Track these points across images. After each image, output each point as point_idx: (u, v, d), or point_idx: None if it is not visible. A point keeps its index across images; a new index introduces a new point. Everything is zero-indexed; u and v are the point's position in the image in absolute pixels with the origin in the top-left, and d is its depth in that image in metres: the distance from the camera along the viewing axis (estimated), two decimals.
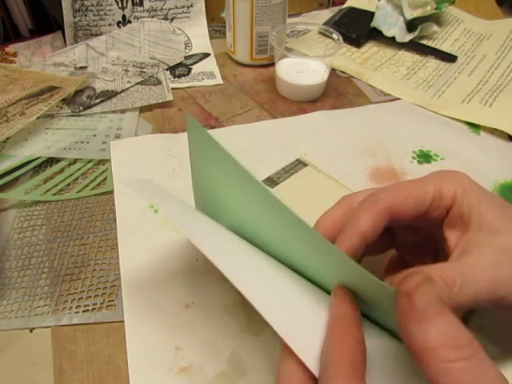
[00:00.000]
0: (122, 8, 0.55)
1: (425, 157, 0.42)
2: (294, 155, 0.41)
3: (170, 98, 0.47)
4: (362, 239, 0.23)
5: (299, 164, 0.40)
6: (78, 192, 0.38)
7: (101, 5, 0.53)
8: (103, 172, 0.40)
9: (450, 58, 0.55)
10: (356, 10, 0.62)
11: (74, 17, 0.53)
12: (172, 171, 0.39)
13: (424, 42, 0.58)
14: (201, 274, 0.31)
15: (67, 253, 0.33)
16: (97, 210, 0.37)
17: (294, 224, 0.19)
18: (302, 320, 0.20)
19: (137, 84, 0.49)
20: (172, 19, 0.57)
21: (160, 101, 0.47)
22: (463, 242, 0.23)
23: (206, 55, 0.56)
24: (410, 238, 0.27)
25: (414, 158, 0.42)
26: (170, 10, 0.57)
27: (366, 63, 0.55)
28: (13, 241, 0.34)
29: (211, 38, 0.58)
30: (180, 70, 0.53)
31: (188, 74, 0.52)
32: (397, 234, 0.27)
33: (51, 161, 0.41)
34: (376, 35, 0.58)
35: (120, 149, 0.41)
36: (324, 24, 0.57)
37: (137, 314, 0.29)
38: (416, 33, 0.56)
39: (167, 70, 0.52)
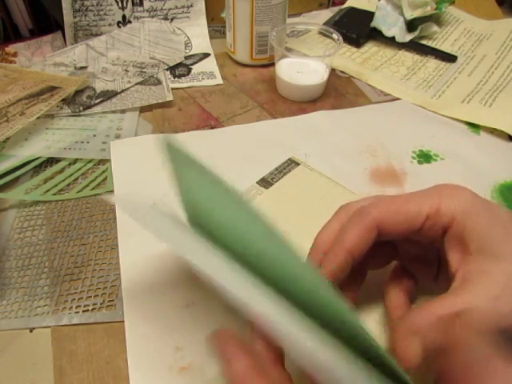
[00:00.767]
0: (122, 8, 0.55)
1: (425, 157, 0.42)
2: (293, 155, 0.41)
3: (170, 98, 0.47)
4: (348, 256, 0.23)
5: (292, 163, 0.40)
6: (78, 192, 0.38)
7: (101, 5, 0.53)
8: (103, 172, 0.40)
9: (450, 58, 0.55)
10: (356, 10, 0.62)
11: (74, 17, 0.53)
12: None
13: (424, 41, 0.58)
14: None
15: (67, 253, 0.33)
16: (97, 209, 0.37)
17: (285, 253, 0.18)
18: None
19: (137, 84, 0.49)
20: (172, 19, 0.57)
21: (160, 101, 0.47)
22: (464, 268, 0.22)
23: (206, 55, 0.56)
24: (412, 249, 0.26)
25: (414, 157, 0.42)
26: (170, 10, 0.57)
27: (365, 63, 0.55)
28: (13, 241, 0.34)
29: (211, 37, 0.58)
30: (180, 70, 0.53)
31: (188, 74, 0.52)
32: (399, 245, 0.27)
33: (51, 161, 0.41)
34: (376, 35, 0.58)
35: (120, 149, 0.41)
36: (324, 24, 0.57)
37: (137, 314, 0.29)
38: (416, 33, 0.56)
39: (167, 70, 0.52)
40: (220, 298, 0.17)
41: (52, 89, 0.45)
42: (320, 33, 0.57)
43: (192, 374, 0.26)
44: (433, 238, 0.24)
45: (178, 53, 0.55)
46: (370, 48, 0.58)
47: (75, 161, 0.41)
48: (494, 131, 0.44)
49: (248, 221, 0.20)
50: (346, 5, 0.64)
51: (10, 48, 0.55)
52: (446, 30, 0.61)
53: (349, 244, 0.23)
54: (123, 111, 0.46)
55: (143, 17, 0.56)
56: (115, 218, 0.35)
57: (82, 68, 0.51)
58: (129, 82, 0.49)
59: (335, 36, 0.49)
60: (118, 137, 0.43)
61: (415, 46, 0.56)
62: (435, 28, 0.58)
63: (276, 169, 0.39)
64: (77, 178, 0.39)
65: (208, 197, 0.22)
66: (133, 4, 0.55)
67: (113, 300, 0.30)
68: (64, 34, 0.54)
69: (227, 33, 0.54)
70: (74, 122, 0.45)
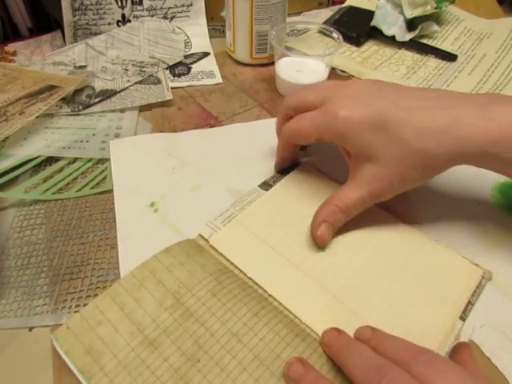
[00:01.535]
0: (122, 7, 0.54)
1: None
2: None
3: (169, 97, 0.47)
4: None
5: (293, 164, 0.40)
6: (78, 191, 0.38)
7: (100, 4, 0.53)
8: (103, 171, 0.40)
9: (450, 57, 0.55)
10: (356, 8, 0.62)
11: (74, 16, 0.53)
12: (171, 170, 0.39)
13: (424, 40, 0.58)
14: None
15: (66, 252, 0.33)
16: (96, 209, 0.37)
17: None
18: None
19: (136, 83, 0.49)
20: (172, 18, 0.57)
21: (159, 100, 0.47)
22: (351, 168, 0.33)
23: (206, 54, 0.56)
24: None
25: None
26: (169, 9, 0.56)
27: (365, 62, 0.55)
28: (12, 240, 0.34)
29: (211, 37, 0.58)
30: (180, 69, 0.53)
31: (188, 73, 0.52)
32: None
33: (50, 160, 0.41)
34: (376, 34, 0.58)
35: (119, 148, 0.41)
36: (324, 23, 0.57)
37: None
38: (416, 32, 0.56)
39: (167, 69, 0.52)
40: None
41: (51, 88, 0.45)
42: (320, 32, 0.57)
43: None
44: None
45: (177, 52, 0.55)
46: (370, 47, 0.58)
47: (74, 160, 0.41)
48: None
49: None
50: (346, 4, 0.64)
51: (10, 47, 0.55)
52: (446, 29, 0.60)
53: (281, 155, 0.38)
54: (123, 110, 0.46)
55: (143, 16, 0.56)
56: (114, 217, 0.35)
57: (81, 67, 0.51)
58: (128, 81, 0.49)
59: (335, 35, 0.49)
60: (117, 136, 0.43)
61: (415, 45, 0.56)
62: (435, 27, 0.58)
63: (278, 171, 0.39)
64: (76, 178, 0.39)
65: None
66: (132, 3, 0.55)
67: None
68: (63, 33, 0.54)
69: (227, 32, 0.53)
70: (73, 121, 0.44)
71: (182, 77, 0.52)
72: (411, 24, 0.57)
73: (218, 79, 0.52)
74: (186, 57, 0.55)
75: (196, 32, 0.58)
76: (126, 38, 0.55)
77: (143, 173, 0.39)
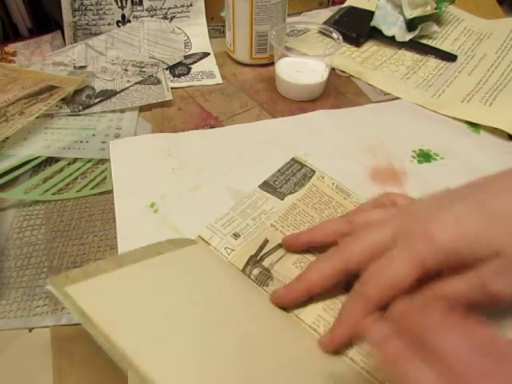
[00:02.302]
0: (122, 7, 0.54)
1: (425, 156, 0.42)
2: (293, 155, 0.40)
3: (169, 97, 0.47)
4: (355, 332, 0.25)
5: (295, 164, 0.39)
6: (78, 191, 0.38)
7: (100, 4, 0.53)
8: (102, 171, 0.40)
9: (450, 57, 0.55)
10: (356, 9, 0.62)
11: (74, 16, 0.53)
12: (171, 171, 0.39)
13: (424, 41, 0.57)
14: None
15: (66, 252, 0.33)
16: (96, 209, 0.37)
17: None
18: None
19: (136, 83, 0.49)
20: (171, 18, 0.57)
21: (159, 100, 0.47)
22: None
23: (206, 54, 0.56)
24: None
25: (414, 157, 0.41)
26: (169, 9, 0.56)
27: (365, 62, 0.55)
28: (12, 240, 0.34)
29: (211, 37, 0.58)
30: (179, 69, 0.53)
31: (187, 74, 0.52)
32: None
33: (50, 160, 0.41)
34: (376, 34, 0.58)
35: (119, 148, 0.41)
36: (324, 23, 0.57)
37: None
38: (416, 32, 0.56)
39: (167, 69, 0.52)
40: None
41: (51, 88, 0.45)
42: (320, 32, 0.57)
43: None
44: None
45: (177, 52, 0.55)
46: (370, 47, 0.58)
47: (74, 160, 0.41)
48: (494, 130, 0.44)
49: None
50: (346, 4, 0.64)
51: (10, 47, 0.55)
52: (446, 29, 0.60)
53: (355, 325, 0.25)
54: (122, 111, 0.46)
55: (142, 16, 0.56)
56: (114, 218, 0.35)
57: (81, 67, 0.51)
58: (128, 81, 0.49)
59: (335, 35, 0.49)
60: (117, 136, 0.43)
61: (415, 45, 0.56)
62: (435, 27, 0.58)
63: (279, 171, 0.39)
64: (76, 178, 0.39)
65: None
66: (132, 3, 0.55)
67: None
68: (63, 34, 0.54)
69: (227, 32, 0.53)
70: (73, 122, 0.44)
71: (182, 77, 0.52)
72: (411, 24, 0.57)
73: (218, 79, 0.52)
74: (185, 57, 0.55)
75: (196, 32, 0.58)
76: (125, 38, 0.55)
77: (143, 173, 0.39)
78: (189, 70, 0.53)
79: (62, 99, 0.45)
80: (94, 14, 0.53)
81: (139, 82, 0.49)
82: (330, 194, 0.37)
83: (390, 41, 0.57)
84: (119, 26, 0.55)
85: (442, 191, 0.28)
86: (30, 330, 0.29)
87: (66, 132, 0.43)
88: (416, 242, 0.25)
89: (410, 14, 0.55)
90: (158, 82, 0.50)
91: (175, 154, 0.41)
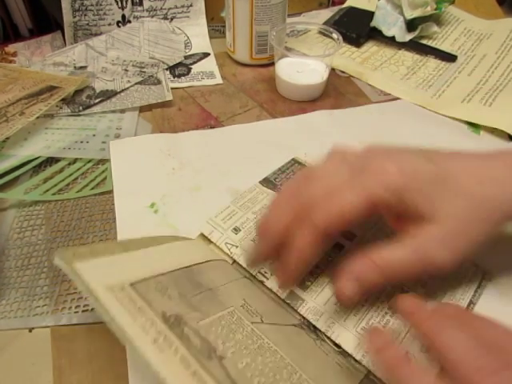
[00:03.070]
0: (122, 8, 0.54)
1: None
2: (293, 155, 0.41)
3: (169, 97, 0.47)
4: (307, 264, 0.27)
5: (295, 164, 0.40)
6: (78, 192, 0.38)
7: (100, 4, 0.53)
8: (103, 172, 0.40)
9: (449, 57, 0.55)
10: (356, 9, 0.62)
11: (74, 16, 0.53)
12: (171, 171, 0.39)
13: (424, 41, 0.58)
14: None
15: None
16: (96, 209, 0.37)
17: None
18: None
19: (136, 84, 0.49)
20: (172, 19, 0.57)
21: (160, 100, 0.47)
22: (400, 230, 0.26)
23: (206, 55, 0.56)
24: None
25: None
26: (169, 9, 0.57)
27: (365, 63, 0.55)
28: (12, 240, 0.34)
29: (211, 37, 0.58)
30: (180, 69, 0.53)
31: (188, 74, 0.52)
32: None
33: (51, 160, 0.41)
34: (376, 35, 0.58)
35: (119, 148, 0.41)
36: (324, 23, 0.57)
37: None
38: (416, 32, 0.56)
39: (167, 69, 0.52)
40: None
41: (51, 88, 0.45)
42: (320, 32, 0.57)
43: None
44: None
45: (177, 52, 0.55)
46: (370, 47, 0.58)
47: (75, 160, 0.41)
48: (494, 131, 0.44)
49: None
50: (346, 4, 0.64)
51: (10, 48, 0.55)
52: (446, 30, 0.60)
53: (306, 256, 0.26)
54: (123, 111, 0.46)
55: (143, 16, 0.56)
56: (114, 218, 0.35)
57: (81, 68, 0.51)
58: (128, 81, 0.49)
59: (335, 35, 0.49)
60: (117, 136, 0.43)
61: (415, 46, 0.56)
62: (435, 28, 0.58)
63: (279, 169, 0.39)
64: (76, 178, 0.39)
65: None
66: (132, 4, 0.55)
67: None
68: (63, 34, 0.54)
69: (227, 32, 0.53)
70: (73, 122, 0.44)
71: (182, 77, 0.52)
72: (411, 25, 0.57)
73: (218, 80, 0.52)
74: (186, 57, 0.55)
75: (196, 32, 0.58)
76: (126, 38, 0.55)
77: (143, 173, 0.39)
78: (189, 70, 0.53)
79: (63, 99, 0.45)
80: (94, 15, 0.53)
81: (139, 83, 0.49)
82: None
83: (390, 41, 0.57)
84: (119, 27, 0.55)
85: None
86: (30, 330, 0.29)
87: (67, 132, 0.43)
88: (369, 175, 0.25)
89: (410, 14, 0.55)
90: (159, 82, 0.50)
91: (175, 154, 0.41)
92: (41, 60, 0.52)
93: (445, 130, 0.45)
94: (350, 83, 0.52)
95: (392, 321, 0.27)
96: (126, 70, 0.51)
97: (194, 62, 0.54)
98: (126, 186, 0.38)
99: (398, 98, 0.49)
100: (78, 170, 0.40)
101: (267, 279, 0.30)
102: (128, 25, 0.55)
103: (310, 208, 0.25)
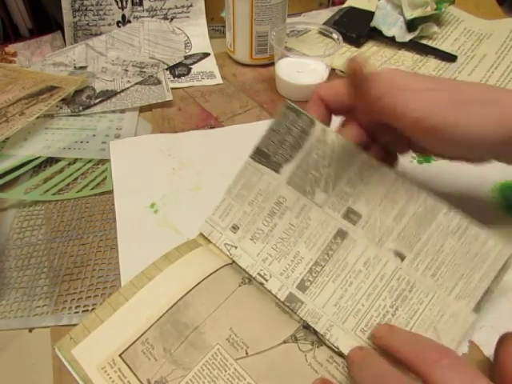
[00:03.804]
0: (122, 8, 0.54)
1: (425, 157, 0.41)
2: None
3: (169, 97, 0.47)
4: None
5: (289, 113, 0.37)
6: (78, 192, 0.38)
7: (100, 4, 0.53)
8: (103, 172, 0.40)
9: (449, 57, 0.55)
10: (356, 9, 0.62)
11: (74, 16, 0.53)
12: (171, 171, 0.39)
13: (424, 41, 0.58)
14: None
15: (67, 253, 0.33)
16: (96, 209, 0.37)
17: None
18: None
19: (136, 84, 0.49)
20: (172, 19, 0.57)
21: (160, 100, 0.47)
22: None
23: (206, 55, 0.56)
24: (386, 137, 0.30)
25: (413, 157, 0.41)
26: (169, 9, 0.57)
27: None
28: (12, 241, 0.34)
29: (211, 37, 0.58)
30: (180, 69, 0.53)
31: (188, 74, 0.52)
32: (377, 134, 0.31)
33: (51, 160, 0.41)
34: (376, 35, 0.58)
35: (119, 148, 0.41)
36: (324, 24, 0.57)
37: None
38: (416, 33, 0.56)
39: (167, 69, 0.52)
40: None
41: (51, 88, 0.45)
42: (320, 32, 0.57)
43: None
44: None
45: (177, 52, 0.55)
46: (370, 48, 0.58)
47: (75, 160, 0.41)
48: None
49: None
50: (346, 4, 0.64)
51: (10, 48, 0.55)
52: (446, 30, 0.60)
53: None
54: (123, 111, 0.46)
55: (143, 16, 0.56)
56: (115, 218, 0.35)
57: (81, 68, 0.51)
58: (128, 81, 0.49)
59: (335, 36, 0.49)
60: (117, 136, 0.43)
61: (415, 46, 0.56)
62: (435, 28, 0.58)
63: (272, 129, 0.34)
64: (76, 178, 0.39)
65: None
66: (132, 4, 0.55)
67: None
68: (63, 34, 0.54)
69: (227, 32, 0.53)
70: (73, 122, 0.44)
71: (182, 77, 0.52)
72: (411, 25, 0.57)
73: (218, 80, 0.52)
74: (186, 57, 0.55)
75: (196, 32, 0.58)
76: (126, 38, 0.55)
77: (143, 173, 0.39)
78: (189, 70, 0.53)
79: (63, 99, 0.45)
80: (94, 15, 0.53)
81: (139, 83, 0.49)
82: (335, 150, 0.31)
83: (390, 41, 0.57)
84: (119, 27, 0.55)
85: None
86: (30, 330, 0.29)
87: (67, 132, 0.43)
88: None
89: (410, 14, 0.55)
90: (159, 82, 0.50)
91: (175, 154, 0.41)
92: (41, 60, 0.52)
93: None
94: None
95: (393, 320, 0.27)
96: (126, 70, 0.51)
97: (194, 62, 0.54)
98: (126, 186, 0.38)
99: None
100: (78, 170, 0.40)
101: (266, 281, 0.30)
102: (128, 25, 0.56)
103: None
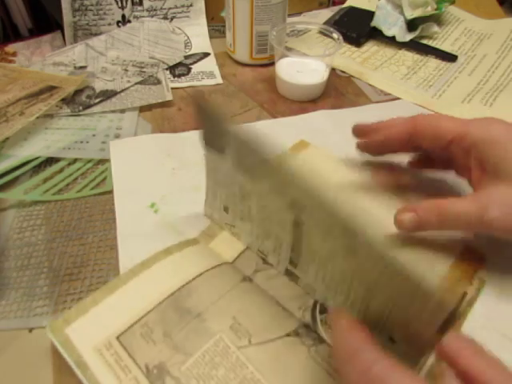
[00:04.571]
0: (122, 7, 0.54)
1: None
2: None
3: (169, 97, 0.47)
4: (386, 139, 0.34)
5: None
6: (78, 192, 0.38)
7: (100, 4, 0.53)
8: (103, 172, 0.40)
9: (450, 57, 0.55)
10: (356, 9, 0.62)
11: (74, 16, 0.53)
12: (171, 171, 0.39)
13: (424, 41, 0.58)
14: None
15: (66, 253, 0.33)
16: (96, 209, 0.37)
17: None
18: None
19: (136, 84, 0.49)
20: (172, 19, 0.57)
21: (160, 100, 0.47)
22: (477, 184, 0.29)
23: (206, 55, 0.56)
24: (445, 165, 0.33)
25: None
26: (169, 9, 0.56)
27: (366, 63, 0.55)
28: (12, 241, 0.34)
29: (211, 37, 0.58)
30: (180, 69, 0.53)
31: (188, 74, 0.52)
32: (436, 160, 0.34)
33: (51, 160, 0.41)
34: (376, 35, 0.58)
35: (119, 148, 0.41)
36: (324, 23, 0.57)
37: None
38: (416, 32, 0.56)
39: (167, 69, 0.52)
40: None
41: (51, 88, 0.45)
42: (320, 32, 0.57)
43: None
44: (457, 155, 0.30)
45: (177, 52, 0.55)
46: (370, 47, 0.58)
47: (74, 160, 0.41)
48: None
49: None
50: (347, 4, 0.64)
51: (10, 48, 0.55)
52: (447, 30, 0.60)
53: (390, 133, 0.34)
54: (123, 111, 0.46)
55: (143, 16, 0.56)
56: (114, 218, 0.35)
57: (81, 67, 0.51)
58: (128, 81, 0.49)
59: (335, 35, 0.49)
60: (117, 136, 0.43)
61: (415, 46, 0.56)
62: (436, 28, 0.58)
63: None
64: (76, 178, 0.39)
65: None
66: (132, 3, 0.55)
67: None
68: (63, 34, 0.54)
69: (227, 32, 0.53)
70: (73, 122, 0.44)
71: (182, 77, 0.52)
72: (411, 24, 0.57)
73: (218, 80, 0.52)
74: (186, 57, 0.55)
75: (196, 32, 0.58)
76: (126, 38, 0.55)
77: (143, 173, 0.39)
78: (189, 70, 0.53)
79: (62, 99, 0.45)
80: (94, 15, 0.53)
81: (139, 83, 0.49)
82: None
83: (391, 41, 0.57)
84: (119, 27, 0.55)
85: None
86: (30, 330, 0.29)
87: (66, 132, 0.43)
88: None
89: (411, 14, 0.55)
90: (158, 82, 0.50)
91: (175, 154, 0.41)
92: (41, 60, 0.52)
93: None
94: (350, 83, 0.52)
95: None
96: (126, 70, 0.51)
97: (194, 62, 0.54)
98: (126, 186, 0.38)
99: (398, 98, 0.49)
100: (78, 170, 0.40)
101: (266, 256, 0.31)
102: (128, 25, 0.55)
103: None
